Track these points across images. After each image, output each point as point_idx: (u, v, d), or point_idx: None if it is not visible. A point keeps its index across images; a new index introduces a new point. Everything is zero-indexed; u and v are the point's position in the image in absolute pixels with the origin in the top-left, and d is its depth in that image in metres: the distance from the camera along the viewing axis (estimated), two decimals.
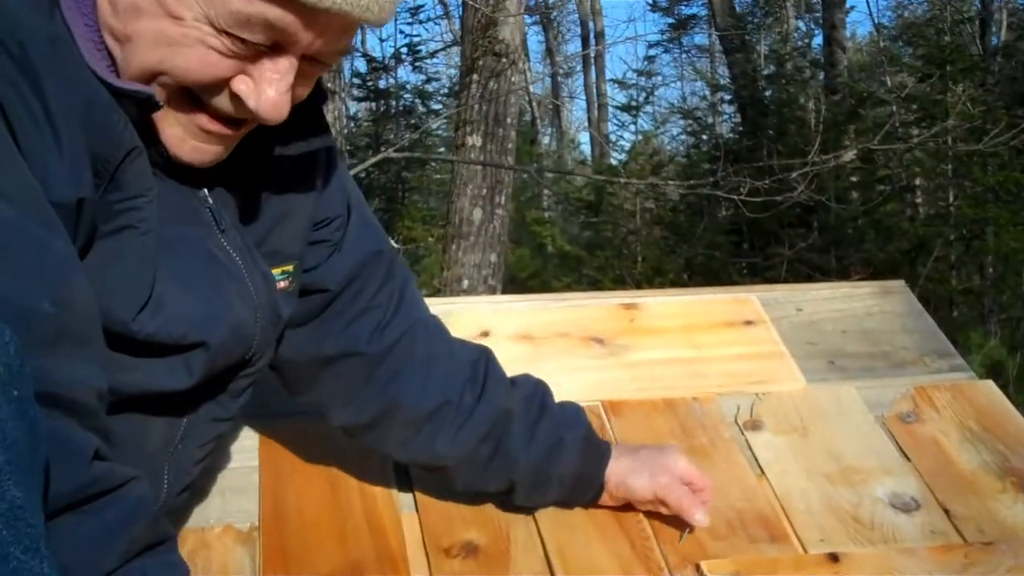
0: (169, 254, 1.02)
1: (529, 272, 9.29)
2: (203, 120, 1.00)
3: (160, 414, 1.09)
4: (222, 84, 0.97)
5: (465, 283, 5.40)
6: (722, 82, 12.96)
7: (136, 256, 0.98)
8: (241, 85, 0.97)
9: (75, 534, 0.82)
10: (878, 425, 1.62)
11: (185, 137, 1.01)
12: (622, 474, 1.40)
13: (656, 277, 8.28)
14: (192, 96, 0.98)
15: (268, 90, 0.96)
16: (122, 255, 0.97)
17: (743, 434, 1.59)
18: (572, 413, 1.44)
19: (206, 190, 1.09)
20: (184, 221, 1.06)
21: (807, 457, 1.55)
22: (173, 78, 0.95)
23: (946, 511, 1.46)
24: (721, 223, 9.34)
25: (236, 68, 0.96)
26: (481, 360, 1.40)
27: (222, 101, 0.98)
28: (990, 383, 1.73)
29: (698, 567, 1.32)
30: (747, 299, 1.89)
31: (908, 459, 1.56)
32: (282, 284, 1.19)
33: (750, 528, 1.42)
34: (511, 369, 1.68)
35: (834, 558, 1.34)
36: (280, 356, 1.28)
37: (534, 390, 1.42)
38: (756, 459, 1.54)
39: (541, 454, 1.37)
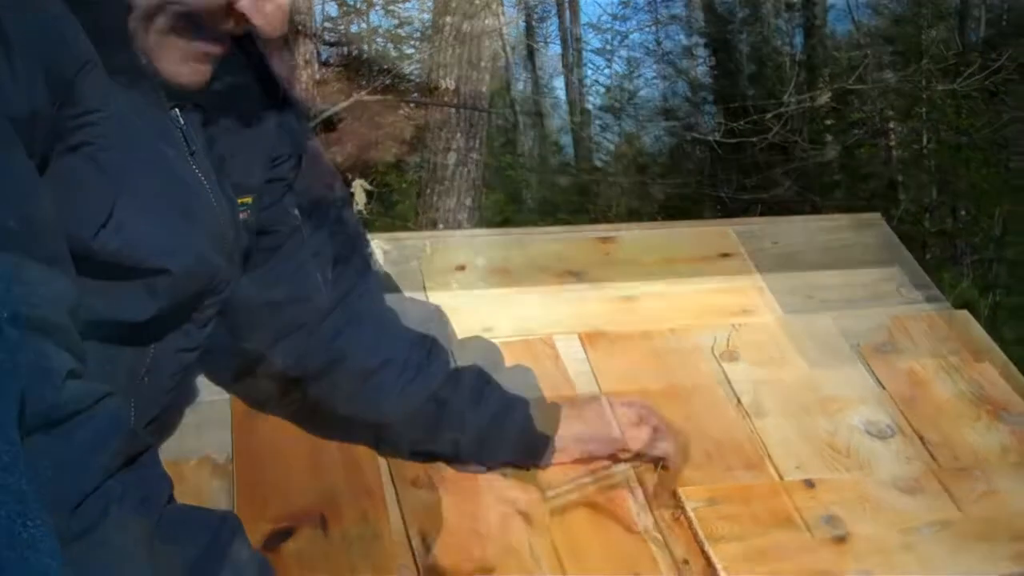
0: (137, 174, 1.00)
1: (504, 216, 9.25)
2: (202, 44, 1.01)
3: (126, 344, 1.06)
4: (225, 6, 1.00)
5: (440, 227, 5.38)
6: (698, 26, 12.85)
7: (95, 173, 0.95)
8: (244, 1, 0.99)
9: (50, 456, 0.80)
10: (854, 355, 1.62)
11: (185, 60, 1.02)
12: (577, 438, 1.37)
13: (630, 219, 8.26)
14: (195, 21, 1.00)
15: (267, 4, 1.00)
16: (80, 173, 0.94)
17: (720, 365, 1.59)
18: (521, 377, 1.41)
19: (177, 111, 1.07)
20: (155, 141, 1.04)
21: (783, 387, 1.55)
22: (183, 4, 0.98)
23: (921, 438, 1.46)
24: (696, 165, 9.32)
25: None
26: (429, 334, 1.37)
27: (224, 22, 1.01)
28: (965, 313, 1.73)
29: (675, 494, 1.33)
30: (724, 232, 1.88)
31: (884, 388, 1.56)
32: (240, 215, 1.17)
33: (727, 457, 1.42)
34: (486, 301, 1.67)
35: (809, 484, 1.35)
36: (228, 299, 1.23)
37: (482, 356, 1.40)
38: (733, 389, 1.54)
39: (489, 414, 1.34)
